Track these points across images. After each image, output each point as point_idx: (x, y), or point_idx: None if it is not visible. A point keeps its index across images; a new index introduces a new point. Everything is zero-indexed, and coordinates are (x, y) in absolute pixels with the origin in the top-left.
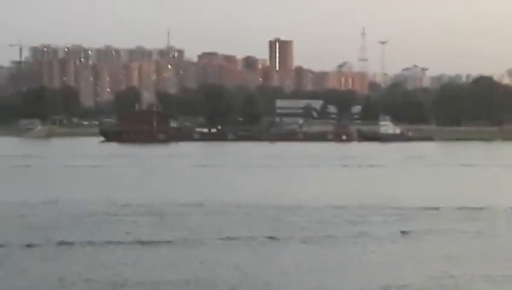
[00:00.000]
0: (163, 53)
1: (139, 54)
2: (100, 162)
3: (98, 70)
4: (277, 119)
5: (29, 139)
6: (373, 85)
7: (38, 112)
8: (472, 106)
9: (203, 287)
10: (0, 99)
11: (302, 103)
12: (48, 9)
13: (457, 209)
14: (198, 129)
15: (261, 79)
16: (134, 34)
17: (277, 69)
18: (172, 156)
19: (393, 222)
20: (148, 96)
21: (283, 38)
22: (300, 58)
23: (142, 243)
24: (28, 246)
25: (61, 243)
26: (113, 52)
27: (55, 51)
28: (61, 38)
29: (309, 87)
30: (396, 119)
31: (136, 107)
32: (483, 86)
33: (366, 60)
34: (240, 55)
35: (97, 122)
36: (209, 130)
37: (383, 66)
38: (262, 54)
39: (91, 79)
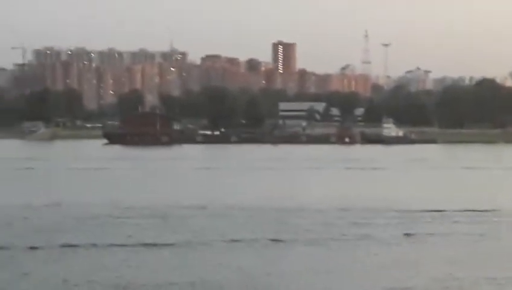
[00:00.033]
0: (167, 56)
1: (142, 56)
2: (103, 165)
3: (101, 73)
4: (280, 121)
5: (32, 142)
6: (376, 87)
7: (42, 115)
8: (475, 108)
9: (208, 289)
10: (3, 102)
11: (305, 105)
12: (51, 12)
13: (460, 212)
14: (202, 131)
15: (264, 81)
16: (137, 36)
17: (280, 71)
18: (176, 159)
19: (397, 224)
20: (151, 99)
21: (286, 40)
22: (303, 61)
23: (145, 245)
24: (32, 248)
25: (65, 246)
26: (116, 55)
27: (58, 53)
28: (64, 41)
29: (312, 89)
30: (399, 122)
31: (139, 109)
32: (486, 88)
33: (369, 62)
34: (243, 57)
35: (100, 125)
36: (212, 132)
37: (386, 68)
38: (265, 56)
39: (94, 81)
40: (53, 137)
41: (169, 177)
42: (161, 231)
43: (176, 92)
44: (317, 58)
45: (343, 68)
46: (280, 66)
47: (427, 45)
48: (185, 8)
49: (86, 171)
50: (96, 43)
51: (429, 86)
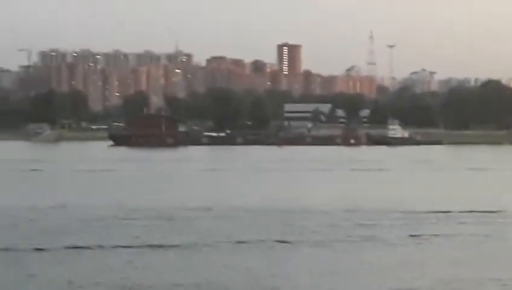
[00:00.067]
0: (172, 57)
1: (148, 58)
2: (109, 166)
3: (107, 75)
4: (285, 123)
5: (38, 144)
6: (381, 89)
7: (47, 117)
8: (480, 109)
9: None
10: (9, 103)
11: (311, 106)
12: (56, 14)
13: (466, 213)
14: (207, 133)
15: (269, 83)
16: (142, 38)
17: (285, 73)
18: (181, 160)
19: (402, 225)
20: (156, 101)
21: (291, 42)
22: (308, 62)
23: (151, 247)
24: (37, 250)
25: (70, 247)
26: (122, 57)
27: (63, 55)
28: (70, 42)
29: (317, 91)
30: (404, 123)
31: (145, 111)
32: (492, 89)
33: (374, 63)
34: (248, 59)
35: (106, 127)
36: (218, 134)
37: (391, 69)
38: (270, 58)
39: (99, 83)
40: (58, 139)
41: (174, 179)
42: (167, 233)
43: (181, 93)
44: (322, 59)
45: (349, 69)
46: (285, 68)
47: (432, 46)
48: (189, 10)
49: (91, 173)
50: (96, 44)
51: (434, 87)
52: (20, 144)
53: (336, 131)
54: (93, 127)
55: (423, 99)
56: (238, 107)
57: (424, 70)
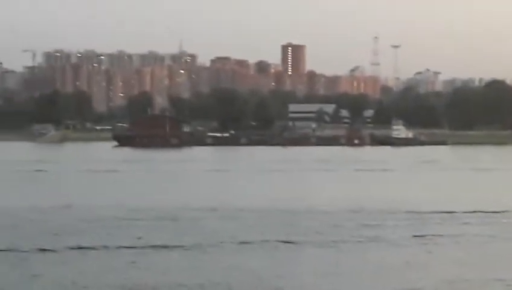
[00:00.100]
0: (176, 58)
1: (152, 58)
2: (113, 167)
3: (111, 75)
4: (290, 123)
5: (42, 144)
6: (385, 89)
7: (51, 117)
8: (485, 110)
9: None
10: (13, 104)
11: (315, 107)
12: (60, 15)
13: (470, 213)
14: (211, 134)
15: (273, 83)
16: (146, 38)
17: (289, 73)
18: (185, 161)
19: (407, 226)
20: (160, 101)
21: (295, 42)
22: (312, 63)
23: (155, 247)
24: (41, 250)
25: (75, 248)
26: (126, 57)
27: (68, 56)
28: (70, 42)
29: (321, 91)
30: (408, 123)
31: (149, 112)
32: (496, 89)
33: (378, 64)
34: (252, 59)
35: (110, 127)
36: (222, 134)
37: (395, 70)
38: (274, 58)
39: (104, 84)
40: (63, 139)
41: (179, 180)
42: (171, 233)
43: (185, 94)
44: (326, 60)
45: (353, 70)
46: (289, 68)
47: (436, 47)
48: (194, 11)
49: (95, 173)
50: (105, 46)
51: (438, 87)
52: (25, 145)
53: (340, 131)
54: (98, 127)
55: (427, 99)
56: (242, 108)
57: (428, 70)
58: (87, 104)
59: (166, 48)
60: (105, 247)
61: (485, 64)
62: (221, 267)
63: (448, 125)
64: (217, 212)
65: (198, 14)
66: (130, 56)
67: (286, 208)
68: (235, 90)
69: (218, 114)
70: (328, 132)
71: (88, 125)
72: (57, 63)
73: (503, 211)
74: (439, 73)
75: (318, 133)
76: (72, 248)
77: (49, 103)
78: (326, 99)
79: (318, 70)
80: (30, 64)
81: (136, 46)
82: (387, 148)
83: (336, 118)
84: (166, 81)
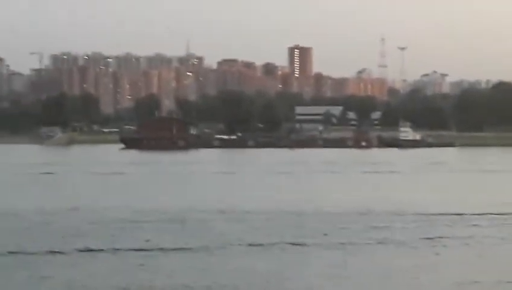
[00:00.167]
0: (183, 60)
1: (159, 61)
2: (121, 169)
3: (118, 78)
4: (297, 125)
5: (50, 147)
6: (392, 91)
7: (59, 120)
8: (492, 111)
9: None
10: (20, 107)
11: (322, 109)
12: (67, 17)
13: (479, 215)
14: (218, 136)
15: (280, 85)
16: (148, 39)
17: (296, 75)
18: (193, 163)
19: (416, 228)
20: (167, 103)
21: (302, 44)
22: (319, 65)
23: (163, 250)
24: (50, 252)
25: (83, 250)
26: (133, 60)
27: (75, 58)
28: (81, 45)
29: (328, 93)
30: (416, 125)
31: (156, 114)
32: (503, 91)
33: (385, 66)
34: (259, 61)
35: (117, 130)
36: (229, 136)
37: (402, 72)
38: (281, 60)
39: (111, 86)
40: (70, 142)
41: (186, 182)
42: (178, 235)
43: (192, 96)
44: (333, 62)
45: (360, 72)
46: (296, 70)
47: (442, 48)
48: (201, 13)
49: (103, 175)
50: (112, 48)
51: (446, 89)
52: (32, 147)
53: (347, 133)
54: (105, 130)
55: (434, 101)
56: (249, 110)
57: (435, 72)
58: (94, 106)
59: (174, 50)
60: (114, 249)
61: (491, 65)
62: (228, 270)
63: (455, 127)
64: (224, 214)
65: (205, 17)
66: (137, 58)
67: (293, 210)
68: (242, 93)
69: (225, 116)
70: (335, 134)
71: (95, 127)
72: (64, 65)
73: None
74: (446, 75)
75: (325, 135)
76: (81, 250)
77: (56, 105)
78: (333, 102)
79: (325, 72)
80: (37, 66)
81: (139, 47)
82: (395, 150)
83: (343, 120)
84: (173, 84)
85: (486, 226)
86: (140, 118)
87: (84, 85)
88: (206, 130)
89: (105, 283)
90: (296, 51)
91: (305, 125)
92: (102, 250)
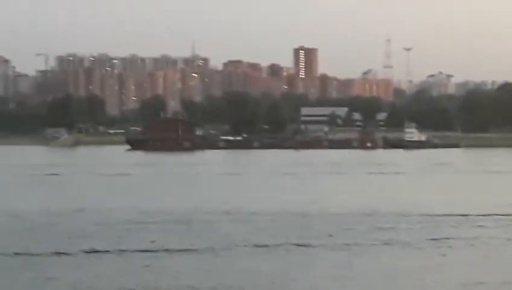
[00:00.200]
0: (188, 61)
1: (164, 62)
2: (126, 171)
3: (124, 79)
4: (302, 126)
5: (55, 148)
6: (398, 92)
7: (64, 121)
8: (497, 112)
9: None
10: (26, 108)
11: (327, 110)
12: (67, 17)
13: (485, 216)
14: (224, 137)
15: (285, 86)
16: (155, 41)
17: (302, 76)
18: (198, 164)
19: (421, 228)
20: (173, 105)
21: (308, 45)
22: (324, 66)
23: (168, 251)
24: (56, 253)
25: (89, 251)
26: (139, 61)
27: (80, 60)
28: (82, 46)
29: (334, 94)
30: (421, 126)
31: (162, 115)
32: (509, 92)
33: (391, 67)
34: (264, 63)
35: (123, 131)
36: (235, 137)
37: (408, 72)
38: (287, 61)
39: (116, 87)
40: (76, 143)
41: (191, 183)
42: (184, 237)
43: (197, 97)
44: (338, 63)
45: (365, 73)
46: (302, 71)
47: (448, 49)
48: (206, 14)
49: (108, 177)
50: (118, 50)
51: (451, 90)
52: (38, 149)
53: (353, 134)
54: (111, 131)
55: (440, 102)
56: (254, 111)
57: (440, 73)
58: (100, 107)
59: (179, 51)
60: (119, 250)
61: (492, 66)
62: (234, 271)
63: (461, 128)
64: (230, 215)
65: (210, 18)
66: (142, 60)
67: (299, 211)
68: (247, 94)
69: (231, 117)
70: (341, 135)
71: (101, 129)
72: (70, 67)
73: None
74: (451, 76)
75: (330, 136)
76: (86, 251)
77: (62, 106)
78: (339, 103)
79: (330, 73)
80: (43, 68)
81: (148, 50)
82: (400, 151)
83: (348, 121)
84: (178, 85)
85: (492, 227)
86: (146, 119)
87: (90, 86)
88: (212, 131)
89: (111, 284)
90: (302, 52)
91: (311, 127)
92: (108, 251)
